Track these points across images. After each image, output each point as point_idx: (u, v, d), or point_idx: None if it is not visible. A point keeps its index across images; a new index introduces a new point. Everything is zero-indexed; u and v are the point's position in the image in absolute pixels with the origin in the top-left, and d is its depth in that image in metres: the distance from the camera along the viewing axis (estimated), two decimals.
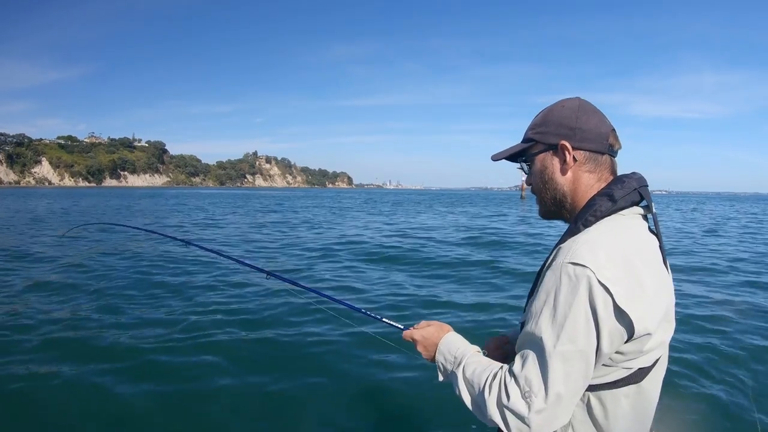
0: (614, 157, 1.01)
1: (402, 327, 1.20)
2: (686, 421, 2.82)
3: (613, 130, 1.00)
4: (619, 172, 1.01)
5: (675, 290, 0.97)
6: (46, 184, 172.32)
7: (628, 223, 0.93)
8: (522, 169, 1.10)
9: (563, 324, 0.82)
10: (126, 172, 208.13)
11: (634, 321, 0.82)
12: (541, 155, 1.02)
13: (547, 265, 0.92)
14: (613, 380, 0.90)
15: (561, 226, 1.03)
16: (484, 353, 1.04)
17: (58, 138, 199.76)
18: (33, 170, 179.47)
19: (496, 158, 1.10)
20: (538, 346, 0.85)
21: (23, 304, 5.23)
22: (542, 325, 0.85)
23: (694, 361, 3.66)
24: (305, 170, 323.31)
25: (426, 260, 8.55)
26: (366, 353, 3.74)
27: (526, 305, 0.98)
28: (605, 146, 0.98)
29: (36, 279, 6.53)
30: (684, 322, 4.52)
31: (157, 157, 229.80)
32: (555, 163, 1.01)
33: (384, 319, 1.35)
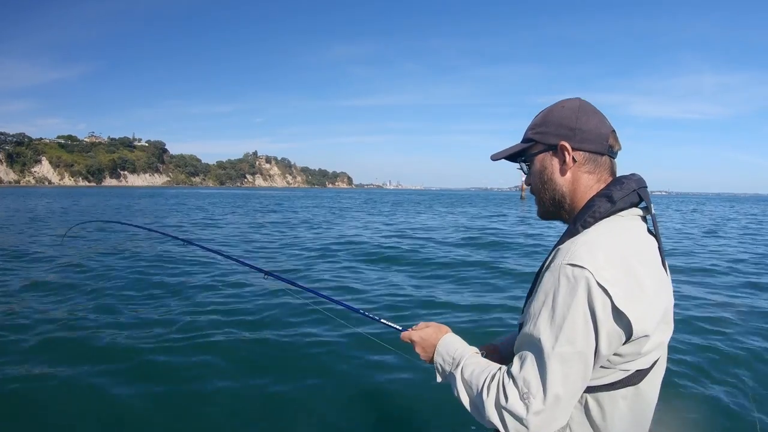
0: (614, 158, 1.01)
1: (400, 328, 1.19)
2: (686, 421, 2.81)
3: (613, 131, 0.99)
4: (619, 173, 1.01)
5: (674, 291, 0.97)
6: (46, 183, 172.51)
7: (627, 224, 0.93)
8: (521, 169, 1.09)
9: (562, 325, 0.82)
10: (126, 172, 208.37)
11: (632, 322, 0.81)
12: (541, 155, 1.02)
13: (545, 266, 0.92)
14: (611, 382, 0.89)
15: (560, 226, 1.03)
16: (482, 354, 1.04)
17: (58, 137, 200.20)
18: (33, 170, 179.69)
19: (495, 158, 1.10)
20: (536, 348, 0.85)
21: (21, 304, 5.21)
22: (541, 327, 0.84)
23: (694, 362, 3.66)
24: (305, 170, 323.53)
25: (425, 261, 8.54)
26: (364, 354, 3.72)
27: (525, 306, 0.97)
28: (605, 147, 0.98)
29: (34, 279, 6.51)
30: (684, 323, 4.51)
31: (157, 156, 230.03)
32: (554, 163, 1.00)
33: (382, 320, 1.34)
